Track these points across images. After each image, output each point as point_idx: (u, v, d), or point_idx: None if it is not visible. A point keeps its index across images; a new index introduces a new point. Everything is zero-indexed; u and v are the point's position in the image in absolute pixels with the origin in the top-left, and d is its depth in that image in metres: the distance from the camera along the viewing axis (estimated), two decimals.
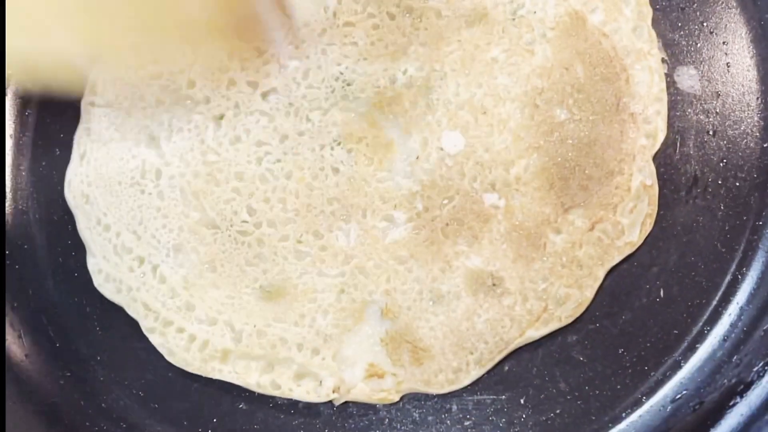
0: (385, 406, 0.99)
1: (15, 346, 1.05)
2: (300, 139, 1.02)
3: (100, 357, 1.04)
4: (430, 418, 0.99)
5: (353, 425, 1.00)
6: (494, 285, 0.98)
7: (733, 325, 0.99)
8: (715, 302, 1.00)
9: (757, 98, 1.03)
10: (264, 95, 1.03)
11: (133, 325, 1.01)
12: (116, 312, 1.03)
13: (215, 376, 0.99)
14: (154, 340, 1.01)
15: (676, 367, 0.99)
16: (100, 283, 1.03)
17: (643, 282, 1.00)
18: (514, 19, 1.03)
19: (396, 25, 1.03)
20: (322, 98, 1.03)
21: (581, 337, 1.00)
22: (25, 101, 1.12)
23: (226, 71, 1.04)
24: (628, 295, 1.00)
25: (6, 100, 1.11)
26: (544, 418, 0.99)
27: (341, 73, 1.03)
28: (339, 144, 1.01)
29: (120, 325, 1.03)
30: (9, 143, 1.11)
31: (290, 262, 1.00)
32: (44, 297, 1.06)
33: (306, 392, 0.99)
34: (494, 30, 1.03)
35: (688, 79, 1.04)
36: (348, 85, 1.03)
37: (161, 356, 1.00)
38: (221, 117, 1.03)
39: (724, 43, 1.05)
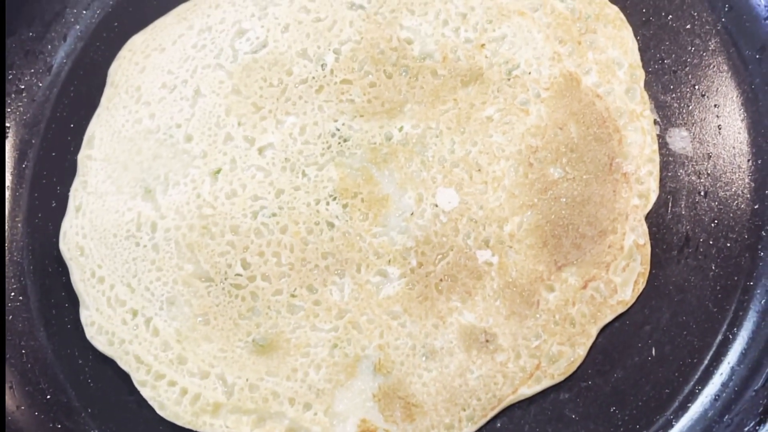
0: None
1: (6, 398, 1.04)
2: (296, 193, 1.02)
3: (91, 409, 1.04)
4: None
5: None
6: (487, 341, 0.98)
7: (724, 385, 0.99)
8: (706, 362, 1.00)
9: (748, 160, 1.04)
10: (260, 150, 1.04)
11: (125, 377, 1.01)
12: (108, 364, 1.02)
13: (206, 430, 0.98)
14: (146, 393, 1.00)
15: (668, 426, 0.98)
16: (92, 335, 1.02)
17: (636, 340, 1.00)
18: (509, 79, 1.04)
19: (392, 84, 1.05)
20: (318, 154, 1.03)
21: (573, 395, 1.00)
22: (22, 154, 1.13)
23: (223, 126, 1.05)
24: (621, 354, 1.00)
25: (6, 151, 1.12)
26: None
27: (338, 130, 1.04)
28: (334, 199, 1.02)
29: (111, 377, 1.03)
30: (6, 194, 1.11)
31: (283, 316, 1.00)
32: (36, 348, 1.06)
33: None
34: (489, 89, 1.04)
35: (680, 140, 1.05)
36: (344, 141, 1.04)
37: (153, 409, 0.99)
38: (218, 171, 1.04)
39: (715, 105, 1.06)
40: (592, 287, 0.99)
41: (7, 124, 1.13)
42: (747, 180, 1.04)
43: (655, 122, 1.05)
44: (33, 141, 1.13)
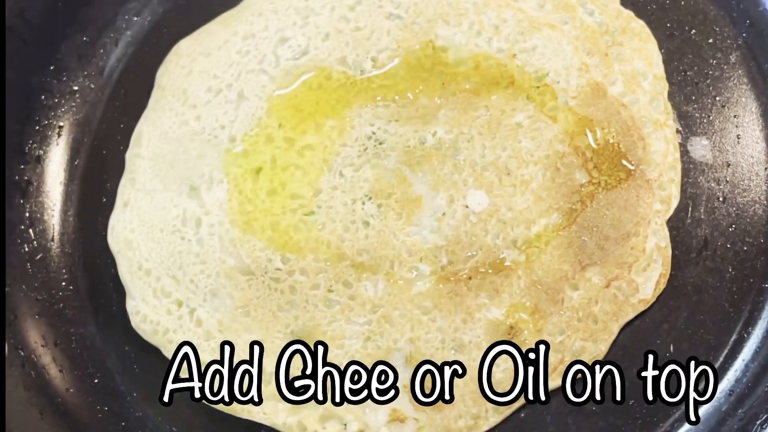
0: None
1: (57, 380, 1.09)
2: (333, 193, 1.07)
3: (137, 393, 1.09)
4: None
5: None
6: (513, 337, 1.02)
7: (738, 381, 1.03)
8: (721, 359, 1.04)
9: (765, 168, 1.09)
10: (300, 151, 1.09)
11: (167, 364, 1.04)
12: (152, 352, 1.07)
13: (244, 416, 1.02)
14: None
15: (684, 419, 1.02)
16: (137, 324, 1.07)
17: (655, 338, 1.04)
18: (538, 87, 1.09)
19: (427, 90, 1.09)
20: (355, 155, 1.08)
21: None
22: (75, 151, 1.19)
23: (265, 128, 1.10)
24: (640, 350, 1.04)
25: (59, 148, 1.18)
26: None
27: (374, 133, 1.09)
28: (370, 199, 1.06)
29: (156, 364, 1.07)
30: (59, 189, 1.17)
31: (320, 310, 1.04)
32: (85, 336, 1.12)
33: None
34: (519, 97, 1.09)
35: (700, 149, 1.10)
36: (380, 143, 1.08)
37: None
38: (259, 170, 1.08)
39: (735, 116, 1.11)
40: (614, 286, 1.04)
41: (61, 123, 1.19)
42: (764, 187, 1.08)
43: (678, 131, 1.10)
44: (85, 139, 1.19)
